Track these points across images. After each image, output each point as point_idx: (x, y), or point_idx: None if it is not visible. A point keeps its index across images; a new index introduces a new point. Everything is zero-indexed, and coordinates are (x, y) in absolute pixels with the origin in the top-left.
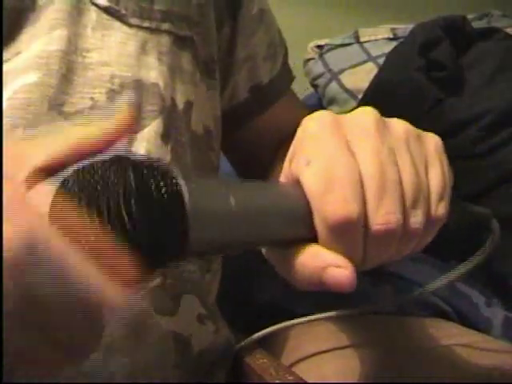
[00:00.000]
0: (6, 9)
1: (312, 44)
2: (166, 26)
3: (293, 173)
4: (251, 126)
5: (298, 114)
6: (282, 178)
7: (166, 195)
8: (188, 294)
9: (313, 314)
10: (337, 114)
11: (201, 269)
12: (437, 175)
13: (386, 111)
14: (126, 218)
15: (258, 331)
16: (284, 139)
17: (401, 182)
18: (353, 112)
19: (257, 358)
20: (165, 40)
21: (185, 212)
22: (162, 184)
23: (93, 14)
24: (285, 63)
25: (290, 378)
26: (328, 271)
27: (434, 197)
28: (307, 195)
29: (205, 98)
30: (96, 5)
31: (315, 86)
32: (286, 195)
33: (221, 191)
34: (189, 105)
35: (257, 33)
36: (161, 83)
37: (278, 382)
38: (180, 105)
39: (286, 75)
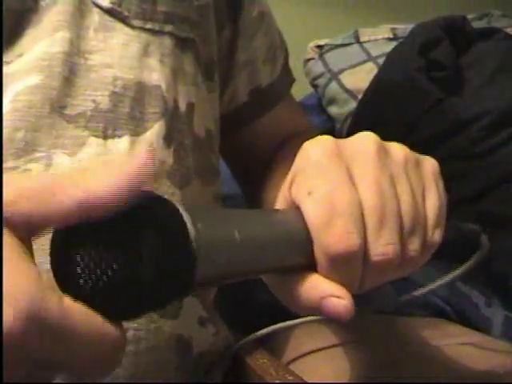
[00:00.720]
0: (8, 10)
1: (312, 44)
2: (168, 27)
3: (293, 200)
4: (250, 129)
5: (297, 116)
6: (281, 202)
7: (171, 233)
8: (190, 296)
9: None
10: (337, 114)
11: None
12: (434, 201)
13: (386, 111)
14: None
15: (257, 331)
16: (283, 141)
17: (400, 212)
18: (354, 137)
19: (257, 358)
20: (167, 42)
21: (191, 249)
22: (167, 223)
23: (95, 16)
24: (285, 66)
25: (290, 378)
26: (327, 301)
27: (430, 223)
28: (308, 225)
29: (206, 99)
30: (98, 6)
31: (315, 86)
32: (286, 224)
33: (226, 224)
34: (191, 107)
35: (257, 36)
36: (163, 85)
37: (277, 382)
38: (182, 107)
39: (286, 78)
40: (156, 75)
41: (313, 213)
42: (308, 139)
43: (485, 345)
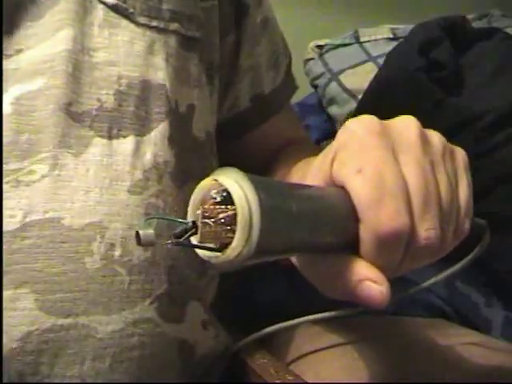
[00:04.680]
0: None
1: (312, 44)
2: (174, 26)
3: (337, 177)
4: (251, 136)
5: (294, 124)
6: (318, 179)
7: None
8: (193, 300)
9: (312, 313)
10: (337, 114)
11: (200, 275)
12: (465, 191)
13: (386, 111)
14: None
15: (257, 331)
16: (278, 149)
17: (440, 199)
18: (396, 119)
19: (257, 358)
20: (172, 41)
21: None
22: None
23: (100, 12)
24: (288, 73)
25: (290, 378)
26: (364, 285)
27: (462, 212)
28: (356, 204)
29: (208, 101)
30: (103, 2)
31: (315, 86)
32: (332, 201)
33: (284, 196)
34: (191, 108)
35: (261, 42)
36: (167, 85)
37: (278, 381)
38: (182, 108)
39: (289, 85)
40: (161, 74)
41: (363, 190)
42: (305, 149)
43: (485, 345)
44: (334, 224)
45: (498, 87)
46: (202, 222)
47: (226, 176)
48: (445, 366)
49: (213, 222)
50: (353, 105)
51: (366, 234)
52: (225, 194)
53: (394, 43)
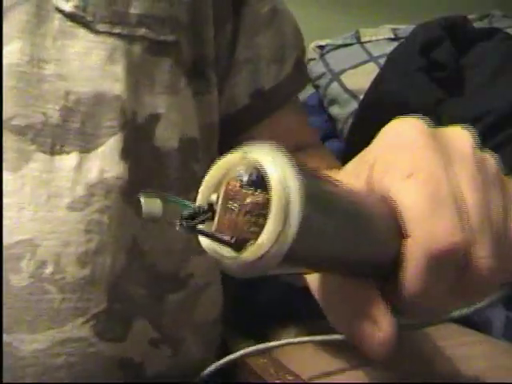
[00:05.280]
0: None
1: (313, 44)
2: (140, 31)
3: (379, 184)
4: (249, 135)
5: (304, 127)
6: (353, 185)
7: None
8: (139, 317)
9: (315, 320)
10: (338, 114)
11: (150, 291)
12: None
13: (387, 112)
14: None
15: (257, 332)
16: (291, 151)
17: (494, 223)
18: (448, 129)
19: (257, 358)
20: (137, 48)
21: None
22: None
23: (55, 22)
24: (297, 67)
25: (290, 378)
26: (370, 332)
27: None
28: (404, 214)
29: (188, 106)
30: (60, 11)
31: (316, 87)
32: (377, 211)
33: (330, 188)
34: (153, 118)
35: (263, 33)
36: (124, 96)
37: (277, 381)
38: (141, 119)
39: (296, 80)
40: (119, 85)
41: (414, 198)
42: (319, 155)
43: (485, 345)
44: (375, 239)
45: (499, 88)
46: (223, 206)
47: (260, 152)
48: (444, 366)
49: (238, 207)
50: (354, 105)
51: (414, 251)
52: (255, 175)
53: (395, 43)
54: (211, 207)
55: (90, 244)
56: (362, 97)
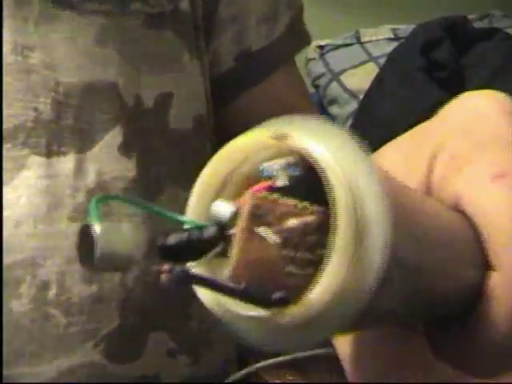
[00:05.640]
0: None
1: (313, 44)
2: (135, 5)
3: (445, 184)
4: (236, 103)
5: (296, 91)
6: (407, 181)
7: None
8: (156, 330)
9: None
10: (337, 114)
11: (166, 301)
12: None
13: (387, 111)
14: None
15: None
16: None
17: None
18: None
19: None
20: (132, 24)
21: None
22: None
23: (36, 6)
24: (291, 26)
25: (290, 378)
26: None
27: None
28: (488, 236)
29: (196, 81)
30: None
31: (316, 86)
32: (453, 229)
33: (414, 202)
34: (165, 98)
35: None
36: (120, 81)
37: (278, 381)
38: (149, 102)
39: (290, 41)
40: (112, 70)
41: (505, 213)
42: None
43: None
44: (455, 272)
45: (499, 87)
46: (247, 231)
47: (305, 132)
48: (445, 366)
49: (276, 233)
50: (354, 105)
51: (504, 287)
52: (298, 171)
53: (395, 43)
54: (222, 230)
55: None
56: (361, 97)
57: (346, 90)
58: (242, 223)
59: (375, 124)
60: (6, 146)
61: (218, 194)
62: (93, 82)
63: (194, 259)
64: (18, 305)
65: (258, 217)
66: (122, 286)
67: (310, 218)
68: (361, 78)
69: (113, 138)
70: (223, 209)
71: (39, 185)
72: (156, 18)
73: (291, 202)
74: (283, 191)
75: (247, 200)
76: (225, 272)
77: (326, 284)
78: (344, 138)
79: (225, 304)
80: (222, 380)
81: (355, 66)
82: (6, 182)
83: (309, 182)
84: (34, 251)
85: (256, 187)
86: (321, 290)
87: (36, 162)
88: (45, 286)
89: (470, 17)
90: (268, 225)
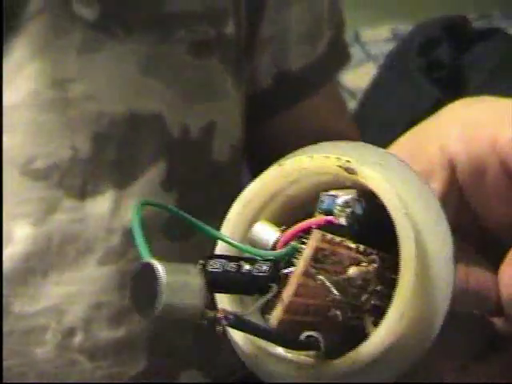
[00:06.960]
0: None
1: None
2: (179, 33)
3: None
4: (273, 124)
5: (340, 110)
6: None
7: None
8: (188, 369)
9: None
10: None
11: (199, 338)
12: None
13: (386, 111)
14: None
15: None
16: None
17: None
18: None
19: None
20: (176, 51)
21: None
22: None
23: (78, 33)
24: (333, 45)
25: None
26: None
27: None
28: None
29: (237, 107)
30: (83, 20)
31: None
32: None
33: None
34: (209, 128)
35: (293, 7)
36: (165, 112)
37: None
38: (194, 131)
39: (331, 60)
40: (156, 100)
41: None
42: None
43: None
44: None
45: (498, 87)
46: (303, 278)
47: (375, 171)
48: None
49: (333, 282)
50: (353, 104)
51: None
52: (362, 210)
53: (394, 43)
54: (277, 274)
55: (125, 302)
56: (360, 96)
57: (345, 89)
58: (301, 267)
59: (374, 123)
60: (36, 184)
61: (259, 214)
62: (137, 113)
63: (240, 293)
64: (43, 352)
65: (317, 260)
66: (151, 327)
67: (370, 268)
68: (360, 78)
69: (156, 172)
70: (267, 234)
71: (70, 230)
72: (200, 45)
73: (352, 245)
74: (342, 228)
75: (311, 240)
76: (272, 313)
77: (382, 337)
78: (408, 171)
79: (261, 345)
80: None
81: (354, 66)
82: (35, 224)
83: (369, 217)
84: (59, 298)
85: (315, 221)
86: (376, 342)
87: (69, 205)
88: (70, 332)
89: (470, 17)
90: (326, 270)
